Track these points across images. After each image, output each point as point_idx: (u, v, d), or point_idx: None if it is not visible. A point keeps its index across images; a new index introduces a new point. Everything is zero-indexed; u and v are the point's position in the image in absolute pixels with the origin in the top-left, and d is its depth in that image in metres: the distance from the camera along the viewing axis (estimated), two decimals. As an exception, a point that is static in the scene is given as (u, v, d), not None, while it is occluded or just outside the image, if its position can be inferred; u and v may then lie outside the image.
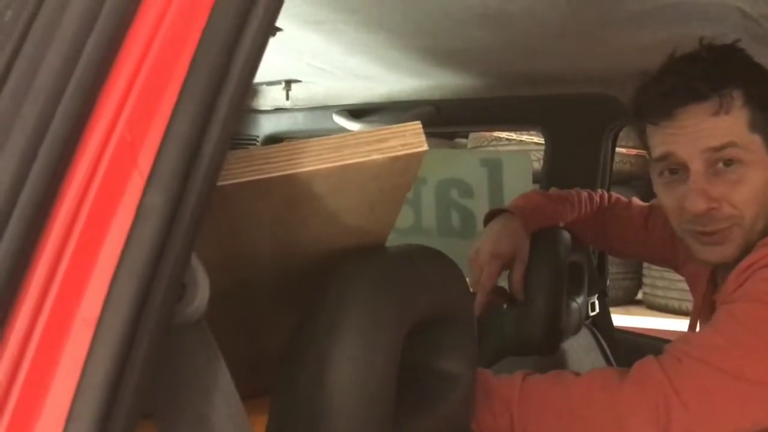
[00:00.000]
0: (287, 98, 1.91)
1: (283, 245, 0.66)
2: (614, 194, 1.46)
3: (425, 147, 0.56)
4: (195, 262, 0.43)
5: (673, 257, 1.30)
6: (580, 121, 1.69)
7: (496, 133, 3.64)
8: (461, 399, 0.79)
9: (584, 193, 1.41)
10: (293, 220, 0.62)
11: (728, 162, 0.98)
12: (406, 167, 0.59)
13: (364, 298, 0.63)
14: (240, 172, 0.54)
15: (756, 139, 0.99)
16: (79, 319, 0.39)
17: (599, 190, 1.47)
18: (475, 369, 0.82)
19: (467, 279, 1.25)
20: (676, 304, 3.77)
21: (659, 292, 3.90)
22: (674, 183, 1.03)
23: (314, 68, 1.62)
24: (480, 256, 1.23)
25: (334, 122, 1.93)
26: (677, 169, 1.02)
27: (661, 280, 3.82)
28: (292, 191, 0.57)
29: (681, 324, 3.49)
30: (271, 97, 1.98)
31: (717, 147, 0.97)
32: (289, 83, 1.85)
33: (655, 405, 0.84)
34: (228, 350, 0.64)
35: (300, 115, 2.04)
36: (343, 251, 0.70)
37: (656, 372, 0.86)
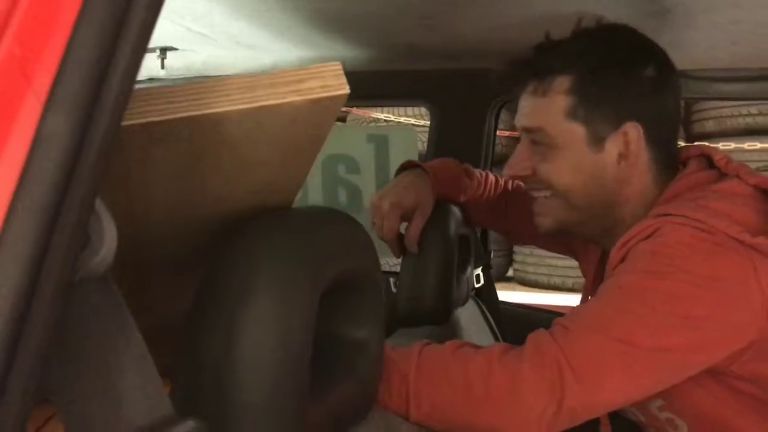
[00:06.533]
0: (162, 67, 1.78)
1: (182, 202, 0.60)
2: (517, 182, 1.47)
3: (347, 89, 0.52)
4: (100, 205, 0.37)
5: (569, 244, 1.32)
6: (466, 96, 1.70)
7: (375, 114, 3.64)
8: (372, 366, 0.76)
9: (491, 176, 1.41)
10: (196, 173, 0.56)
11: (537, 142, 1.06)
12: (324, 113, 0.55)
13: (277, 258, 0.58)
14: (137, 112, 0.48)
15: (574, 127, 1.03)
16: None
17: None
18: (382, 335, 0.79)
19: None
20: (545, 280, 3.96)
21: (530, 269, 4.08)
22: None
23: (194, 33, 1.51)
24: (382, 205, 1.20)
25: (214, 94, 1.83)
26: None
27: (531, 257, 3.99)
28: (199, 136, 0.51)
29: (552, 298, 3.66)
30: (145, 66, 1.84)
31: (528, 128, 1.07)
32: (164, 51, 1.72)
33: (551, 380, 0.84)
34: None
35: (176, 87, 1.92)
36: (248, 212, 0.65)
37: (549, 344, 0.87)
